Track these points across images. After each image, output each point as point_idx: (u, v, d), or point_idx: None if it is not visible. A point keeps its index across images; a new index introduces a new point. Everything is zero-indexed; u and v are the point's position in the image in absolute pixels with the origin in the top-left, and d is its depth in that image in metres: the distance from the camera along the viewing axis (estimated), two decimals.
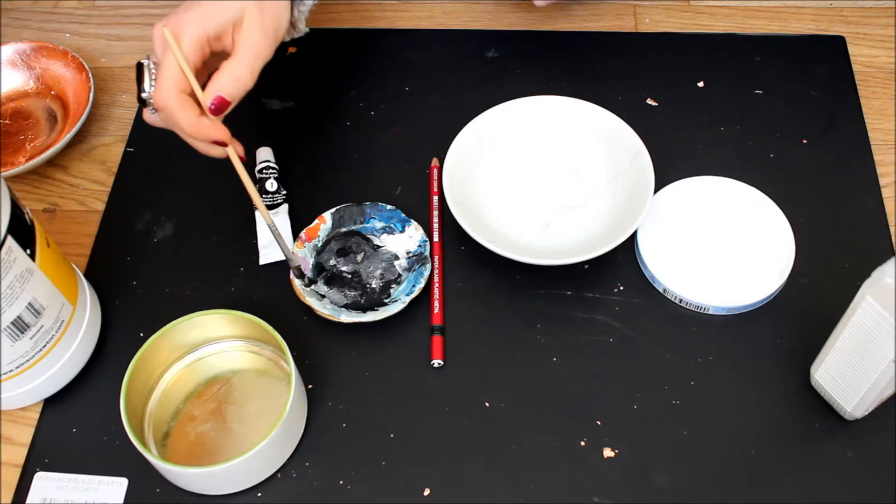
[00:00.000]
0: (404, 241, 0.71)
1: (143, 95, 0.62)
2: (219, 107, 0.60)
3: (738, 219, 0.71)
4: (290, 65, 0.84)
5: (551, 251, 0.69)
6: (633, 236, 0.70)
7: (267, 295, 0.70)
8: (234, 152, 0.63)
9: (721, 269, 0.68)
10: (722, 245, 0.69)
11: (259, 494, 0.61)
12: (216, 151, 0.62)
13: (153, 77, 0.61)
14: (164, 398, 0.64)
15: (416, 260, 0.70)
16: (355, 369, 0.66)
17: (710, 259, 0.69)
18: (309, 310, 0.67)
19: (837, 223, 0.71)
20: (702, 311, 0.67)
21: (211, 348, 0.66)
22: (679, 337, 0.66)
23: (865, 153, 0.75)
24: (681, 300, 0.67)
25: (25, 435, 0.64)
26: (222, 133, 0.61)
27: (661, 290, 0.68)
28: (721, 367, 0.65)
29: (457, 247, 0.71)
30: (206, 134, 0.60)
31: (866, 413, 0.61)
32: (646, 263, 0.69)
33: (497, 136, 0.73)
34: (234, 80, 0.60)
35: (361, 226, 0.72)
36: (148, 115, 0.64)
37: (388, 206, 0.72)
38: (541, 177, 0.73)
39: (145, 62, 0.62)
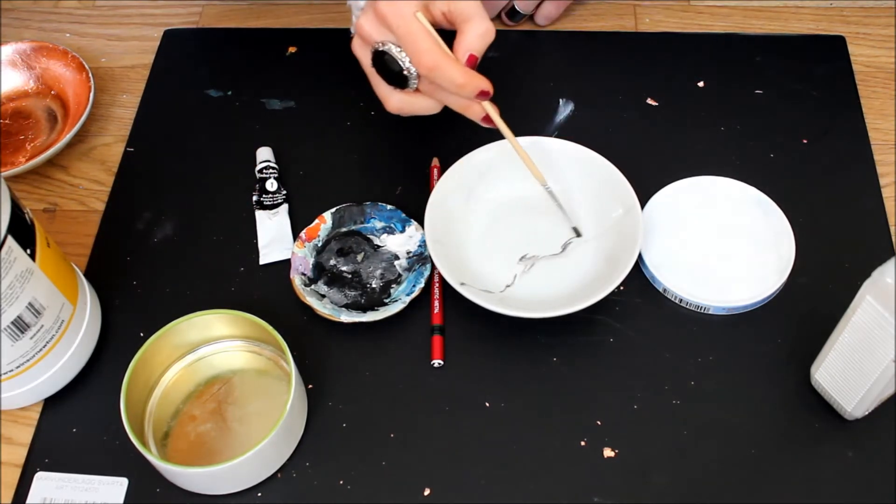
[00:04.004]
0: (404, 241, 0.71)
1: (405, 72, 0.63)
2: (472, 64, 0.63)
3: (738, 219, 0.71)
4: (290, 65, 0.84)
5: (525, 300, 0.67)
6: None
7: (267, 295, 0.70)
8: (491, 107, 0.65)
9: (721, 269, 0.68)
10: (722, 245, 0.69)
11: (259, 494, 0.61)
12: (476, 109, 0.64)
13: (400, 52, 0.63)
14: (164, 398, 0.64)
15: (417, 260, 0.70)
16: (355, 369, 0.66)
17: (710, 259, 0.69)
18: (309, 310, 0.67)
19: (837, 223, 0.71)
20: (702, 311, 0.67)
21: (211, 348, 0.66)
22: (679, 337, 0.66)
23: (865, 153, 0.75)
24: (681, 300, 0.67)
25: (25, 435, 0.64)
26: (488, 83, 0.63)
27: (661, 290, 0.68)
28: (721, 367, 0.65)
29: None
30: (476, 84, 0.62)
31: (866, 413, 0.61)
32: (646, 263, 0.69)
33: (488, 175, 0.72)
34: (480, 37, 0.63)
35: (361, 226, 0.72)
36: (396, 101, 0.66)
37: (389, 206, 0.72)
38: (528, 220, 0.71)
39: (383, 47, 0.63)
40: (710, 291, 0.67)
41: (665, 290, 0.68)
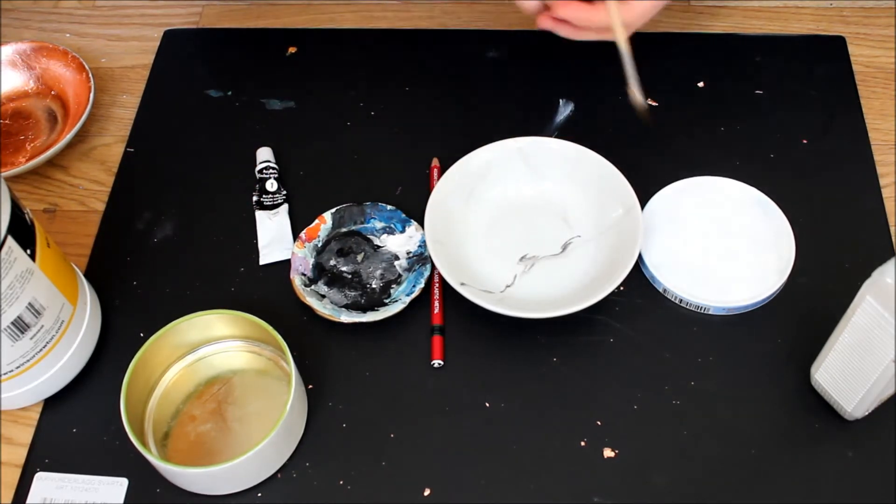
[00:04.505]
0: (404, 241, 0.71)
1: None
2: None
3: (738, 219, 0.71)
4: (290, 65, 0.84)
5: (525, 300, 0.67)
6: None
7: (267, 295, 0.70)
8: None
9: (721, 269, 0.68)
10: (722, 245, 0.69)
11: (259, 494, 0.61)
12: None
13: None
14: (164, 398, 0.64)
15: (417, 260, 0.70)
16: (355, 369, 0.66)
17: (710, 259, 0.69)
18: (309, 310, 0.67)
19: (837, 223, 0.71)
20: (702, 311, 0.67)
21: (211, 348, 0.66)
22: (679, 337, 0.66)
23: (865, 153, 0.75)
24: (681, 300, 0.67)
25: (25, 435, 0.64)
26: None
27: (661, 290, 0.68)
28: (721, 367, 0.65)
29: None
30: None
31: (866, 413, 0.61)
32: (646, 263, 0.69)
33: (488, 175, 0.72)
34: None
35: (361, 226, 0.72)
36: None
37: (388, 206, 0.72)
38: (529, 221, 0.71)
39: None
40: (710, 291, 0.67)
41: (665, 290, 0.68)
